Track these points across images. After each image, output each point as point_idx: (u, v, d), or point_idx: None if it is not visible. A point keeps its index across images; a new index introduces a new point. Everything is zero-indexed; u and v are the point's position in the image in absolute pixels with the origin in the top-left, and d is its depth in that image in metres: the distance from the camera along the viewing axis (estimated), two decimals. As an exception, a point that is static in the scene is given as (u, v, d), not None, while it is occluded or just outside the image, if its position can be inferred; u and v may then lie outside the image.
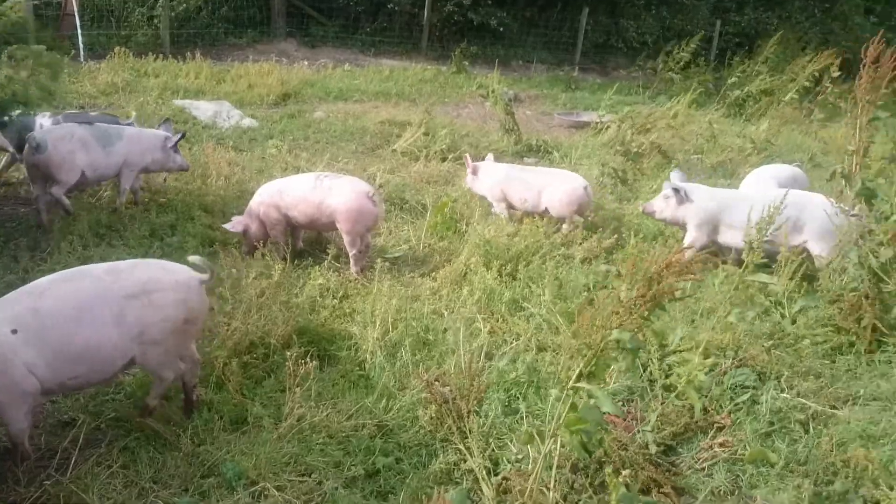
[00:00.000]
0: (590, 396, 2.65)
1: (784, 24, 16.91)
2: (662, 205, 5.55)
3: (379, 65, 14.09)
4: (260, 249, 4.67)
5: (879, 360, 4.10)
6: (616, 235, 5.65)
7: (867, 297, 4.23)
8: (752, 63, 13.17)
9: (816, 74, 11.72)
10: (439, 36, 15.55)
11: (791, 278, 4.63)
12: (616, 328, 2.56)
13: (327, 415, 3.37)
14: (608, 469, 2.65)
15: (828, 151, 9.30)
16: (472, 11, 15.19)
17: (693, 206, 5.43)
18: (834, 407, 3.65)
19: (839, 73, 11.39)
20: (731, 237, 5.32)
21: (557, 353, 3.96)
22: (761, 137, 9.05)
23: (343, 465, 3.15)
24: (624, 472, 2.52)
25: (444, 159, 8.05)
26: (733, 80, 12.25)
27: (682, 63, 13.65)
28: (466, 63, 14.20)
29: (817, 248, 5.04)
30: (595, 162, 8.14)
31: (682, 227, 5.58)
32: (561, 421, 2.73)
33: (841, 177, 4.82)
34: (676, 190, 5.45)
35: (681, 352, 3.89)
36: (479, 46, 15.43)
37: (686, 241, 5.42)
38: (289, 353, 3.46)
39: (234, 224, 5.17)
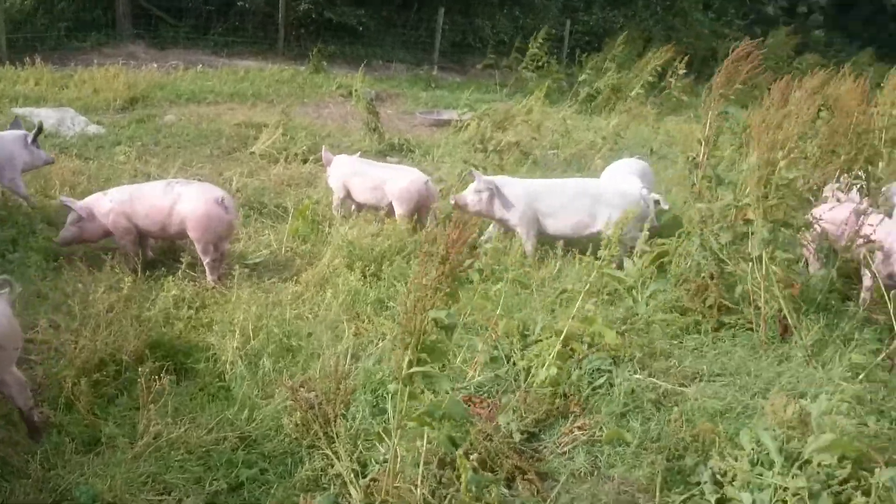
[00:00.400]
0: (426, 378, 2.66)
1: (630, 22, 17.72)
2: (474, 198, 5.54)
3: (233, 66, 13.68)
4: (108, 262, 4.44)
5: (723, 338, 4.36)
6: (478, 231, 5.75)
7: (711, 277, 4.50)
8: (600, 60, 13.74)
9: (659, 70, 12.40)
10: (296, 35, 15.27)
11: (647, 265, 4.89)
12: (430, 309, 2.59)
13: (186, 430, 3.25)
14: (459, 452, 2.69)
15: (672, 143, 9.84)
16: (329, 10, 15.02)
17: (506, 199, 5.52)
18: (683, 385, 3.85)
19: (685, 71, 12.10)
20: (551, 225, 5.55)
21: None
22: (611, 132, 9.45)
23: (204, 480, 3.04)
24: (472, 457, 2.55)
25: (304, 161, 7.93)
26: (583, 77, 12.73)
27: (536, 61, 14.05)
28: (325, 63, 14.04)
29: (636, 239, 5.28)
30: (457, 159, 8.24)
31: (499, 221, 5.67)
32: (401, 413, 2.73)
33: (691, 165, 5.10)
34: (489, 185, 5.52)
35: (541, 341, 4.00)
36: (337, 46, 15.27)
37: (522, 239, 5.56)
38: (141, 369, 3.31)
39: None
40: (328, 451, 3.20)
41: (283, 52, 15.01)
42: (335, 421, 3.32)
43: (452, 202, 5.66)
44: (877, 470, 2.81)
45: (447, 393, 3.01)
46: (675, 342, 4.36)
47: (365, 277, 4.89)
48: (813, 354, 4.12)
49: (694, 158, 5.06)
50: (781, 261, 4.21)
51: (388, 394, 3.65)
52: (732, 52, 5.34)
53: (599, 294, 4.85)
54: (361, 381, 3.70)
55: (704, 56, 16.52)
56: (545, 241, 5.62)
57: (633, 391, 3.73)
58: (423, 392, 2.77)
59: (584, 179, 6.34)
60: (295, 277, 4.98)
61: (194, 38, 14.60)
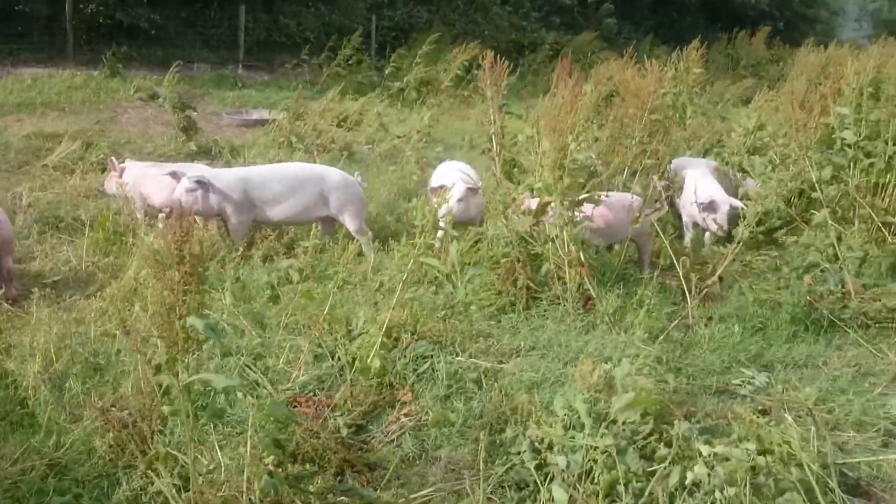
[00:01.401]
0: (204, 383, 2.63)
1: (434, 17, 18.13)
2: (189, 199, 5.30)
3: (19, 74, 12.62)
4: None
5: (535, 315, 4.59)
6: (295, 230, 5.70)
7: (518, 260, 4.73)
8: (409, 56, 13.96)
9: (466, 63, 12.79)
10: (87, 39, 14.35)
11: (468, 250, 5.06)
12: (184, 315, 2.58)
13: (-13, 464, 3.00)
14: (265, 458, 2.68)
15: (483, 133, 10.18)
16: (121, 12, 14.23)
17: (222, 192, 5.43)
18: (501, 362, 4.03)
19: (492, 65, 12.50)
20: (274, 212, 5.59)
21: (238, 356, 3.90)
22: (424, 124, 9.63)
23: (12, 514, 2.83)
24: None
25: (103, 170, 7.47)
26: (390, 71, 12.90)
27: (345, 58, 14.06)
28: (121, 66, 13.29)
29: (346, 220, 5.65)
30: (270, 159, 8.09)
31: (218, 216, 5.58)
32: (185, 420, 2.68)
33: (488, 155, 5.31)
34: (200, 181, 5.35)
35: (365, 333, 4.04)
36: (133, 48, 14.53)
37: (231, 230, 5.52)
38: (-75, 406, 3.01)
39: None
40: (146, 470, 3.06)
41: (74, 58, 14.06)
42: (152, 438, 3.19)
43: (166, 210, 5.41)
44: (675, 422, 3.09)
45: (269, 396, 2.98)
46: (493, 322, 4.54)
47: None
48: (615, 322, 4.44)
49: (490, 149, 5.28)
50: (575, 239, 4.51)
51: (206, 403, 3.54)
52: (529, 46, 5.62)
53: (420, 283, 4.96)
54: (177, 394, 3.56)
55: (507, 49, 17.21)
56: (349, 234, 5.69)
57: (455, 373, 3.85)
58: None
59: (304, 164, 6.38)
60: (99, 293, 4.70)
61: (-28, 48, 13.35)
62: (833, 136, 5.92)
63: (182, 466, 3.11)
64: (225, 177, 5.55)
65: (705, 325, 4.57)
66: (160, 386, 2.70)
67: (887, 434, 3.51)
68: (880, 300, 4.67)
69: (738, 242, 4.82)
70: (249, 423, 3.01)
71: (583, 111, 4.40)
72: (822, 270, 5.06)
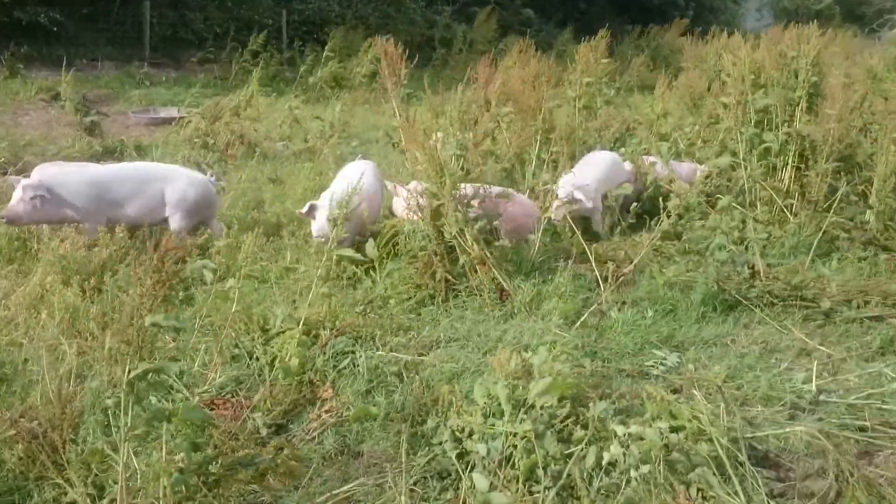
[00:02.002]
0: (153, 385, 2.57)
1: (347, 11, 17.97)
2: (27, 208, 4.98)
3: (-88, 77, 11.96)
4: None
5: (454, 307, 4.63)
6: (208, 230, 5.58)
7: (436, 254, 4.76)
8: (321, 50, 13.81)
9: (378, 57, 12.71)
10: (-16, 40, 13.68)
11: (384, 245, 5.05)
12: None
13: None
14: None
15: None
16: (20, 10, 13.62)
17: (64, 199, 5.17)
18: (421, 354, 4.05)
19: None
20: (125, 214, 5.38)
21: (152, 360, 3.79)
22: (338, 120, 9.55)
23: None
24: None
25: (4, 173, 7.14)
26: (305, 66, 12.74)
27: (253, 53, 13.81)
28: (21, 67, 12.73)
29: (174, 219, 5.47)
30: (180, 158, 7.88)
31: (63, 221, 5.32)
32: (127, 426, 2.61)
33: (397, 150, 5.32)
34: (36, 190, 4.99)
35: (283, 332, 3.99)
36: (34, 48, 13.92)
37: (85, 231, 5.28)
38: None
39: None
40: (59, 480, 2.96)
41: (-29, 59, 13.37)
42: (64, 447, 3.08)
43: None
44: (591, 404, 3.17)
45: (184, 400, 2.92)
46: (413, 316, 4.55)
47: (84, 292, 4.54)
48: (531, 310, 4.52)
49: (398, 143, 5.29)
50: (476, 237, 4.58)
51: (119, 411, 3.45)
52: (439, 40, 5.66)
53: (339, 278, 4.93)
54: (90, 402, 3.46)
55: (420, 42, 17.21)
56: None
57: (376, 367, 3.86)
58: (147, 399, 2.65)
59: (152, 164, 6.25)
60: (3, 301, 4.50)
61: None
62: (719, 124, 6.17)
63: (96, 475, 3.02)
64: (69, 180, 5.23)
65: (619, 310, 4.69)
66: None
67: (793, 407, 3.67)
68: (783, 279, 4.88)
69: (657, 232, 4.97)
70: (164, 428, 2.94)
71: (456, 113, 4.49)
72: (728, 252, 5.25)
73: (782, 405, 3.68)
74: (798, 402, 3.73)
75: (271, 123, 9.31)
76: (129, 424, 2.56)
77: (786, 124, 6.24)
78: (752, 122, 6.21)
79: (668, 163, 6.56)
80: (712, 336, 4.45)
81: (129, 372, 2.52)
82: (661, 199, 6.17)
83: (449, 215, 4.62)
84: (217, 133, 8.02)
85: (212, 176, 5.87)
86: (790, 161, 6.25)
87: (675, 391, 3.78)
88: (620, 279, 4.72)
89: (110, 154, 8.38)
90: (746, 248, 5.39)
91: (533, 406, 3.15)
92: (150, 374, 2.52)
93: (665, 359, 4.13)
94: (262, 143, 8.66)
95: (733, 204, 6.01)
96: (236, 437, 3.14)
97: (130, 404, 2.56)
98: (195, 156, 7.47)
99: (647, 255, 5.40)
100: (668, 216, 4.75)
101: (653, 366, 4.08)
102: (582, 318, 4.46)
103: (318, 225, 5.15)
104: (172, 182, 5.48)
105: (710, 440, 2.97)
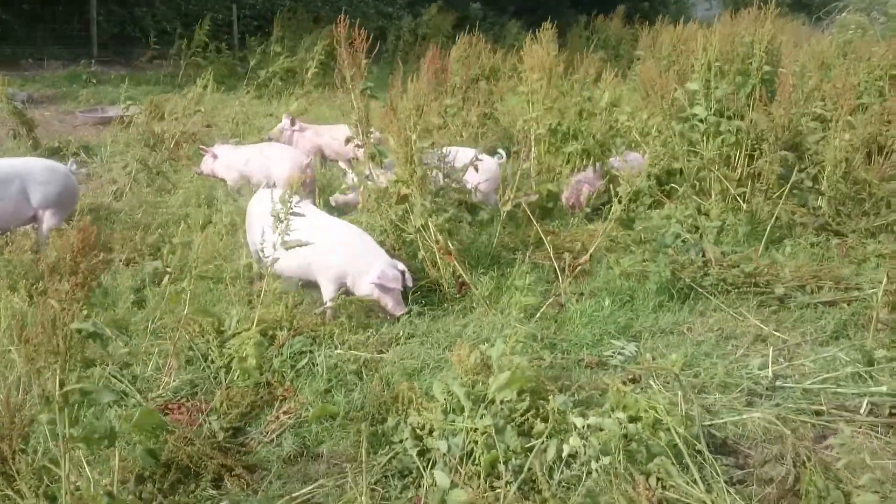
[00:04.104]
0: (84, 393, 2.50)
1: (298, 4, 17.73)
2: None
3: None
4: None
5: (413, 302, 4.58)
6: (160, 230, 5.46)
7: (394, 248, 4.72)
8: (269, 43, 13.62)
9: (329, 49, 12.57)
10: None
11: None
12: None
13: None
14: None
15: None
16: (-39, 9, 13.22)
17: None
18: (381, 351, 4.01)
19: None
20: None
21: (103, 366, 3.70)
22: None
23: None
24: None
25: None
26: (255, 61, 12.54)
27: (200, 46, 13.55)
28: (-38, 66, 12.35)
29: (46, 217, 5.13)
30: (130, 157, 7.70)
31: None
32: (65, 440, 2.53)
33: (353, 144, 5.25)
34: None
35: (239, 333, 3.92)
36: (-23, 47, 13.53)
37: None
38: None
39: None
40: (9, 492, 2.87)
41: None
42: (13, 457, 2.98)
43: None
44: (551, 397, 3.16)
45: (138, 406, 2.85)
46: (372, 312, 4.50)
47: (31, 297, 4.40)
48: (491, 304, 4.50)
49: (352, 138, 5.23)
50: (442, 228, 4.55)
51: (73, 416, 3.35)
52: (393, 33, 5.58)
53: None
54: (40, 409, 3.34)
55: (373, 36, 17.00)
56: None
57: (335, 366, 3.81)
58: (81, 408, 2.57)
59: (7, 159, 5.84)
60: (-55, 307, 4.35)
61: None
62: (684, 112, 6.20)
63: (47, 485, 2.93)
64: None
65: (577, 301, 4.70)
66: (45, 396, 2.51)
67: (750, 393, 3.72)
68: (738, 266, 4.94)
69: (610, 220, 4.99)
70: (116, 435, 2.86)
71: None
72: (683, 241, 5.31)
73: (739, 391, 3.72)
74: (755, 388, 3.77)
75: (220, 120, 9.14)
76: (67, 437, 2.48)
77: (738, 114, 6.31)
78: (713, 110, 6.26)
79: (622, 155, 6.60)
80: (669, 325, 4.49)
81: (61, 384, 2.43)
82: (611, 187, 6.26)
83: (417, 205, 4.56)
84: (164, 131, 7.84)
85: (72, 164, 5.58)
86: (743, 150, 6.33)
87: (633, 381, 3.81)
88: (577, 269, 4.73)
89: (55, 154, 8.15)
90: (701, 237, 5.45)
91: (493, 401, 3.14)
92: (85, 393, 2.43)
93: (623, 348, 4.16)
94: (213, 140, 8.49)
95: (688, 192, 6.10)
96: (191, 442, 3.07)
97: (66, 419, 2.47)
98: (143, 155, 7.28)
99: (603, 246, 5.42)
100: (620, 202, 4.76)
101: (611, 356, 4.10)
102: (541, 310, 4.46)
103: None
104: (31, 177, 5.08)
105: (669, 429, 2.98)
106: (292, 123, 7.56)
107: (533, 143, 6.62)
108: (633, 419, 3.02)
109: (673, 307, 4.70)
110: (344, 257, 4.36)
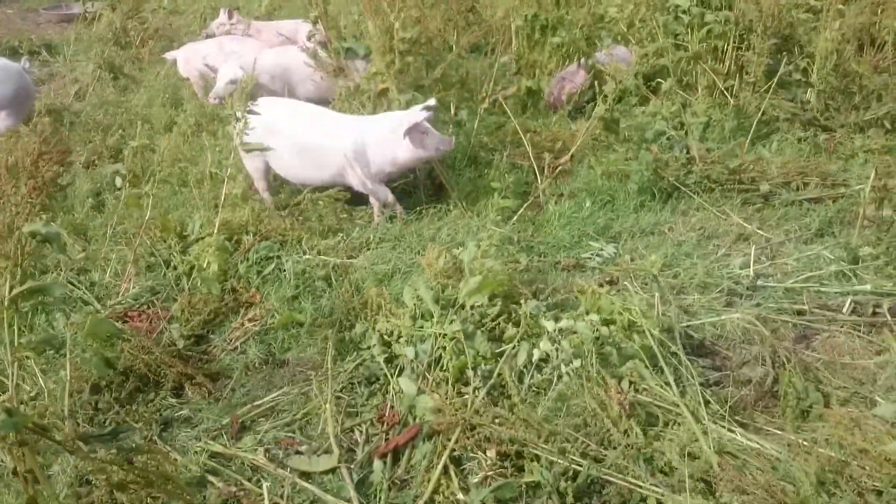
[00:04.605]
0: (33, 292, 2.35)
1: None
2: None
3: None
4: None
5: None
6: (121, 132, 5.22)
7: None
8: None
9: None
10: None
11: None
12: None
13: None
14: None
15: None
16: None
17: None
18: (351, 257, 3.86)
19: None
20: None
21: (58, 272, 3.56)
22: (265, 8, 8.99)
23: None
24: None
25: None
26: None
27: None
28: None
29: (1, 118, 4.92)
30: (93, 55, 7.34)
31: None
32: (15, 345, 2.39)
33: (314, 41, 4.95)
34: None
35: (202, 238, 3.76)
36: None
37: None
38: None
39: None
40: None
41: None
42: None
43: None
44: (523, 301, 3.04)
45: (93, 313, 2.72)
46: (344, 217, 4.34)
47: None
48: (467, 206, 4.34)
49: (314, 35, 4.93)
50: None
51: None
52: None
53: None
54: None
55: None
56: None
57: (303, 272, 3.67)
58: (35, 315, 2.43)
59: None
60: None
61: None
62: (668, 3, 5.89)
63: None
64: None
65: (556, 203, 4.54)
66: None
67: (731, 293, 3.61)
68: (722, 163, 4.76)
69: (593, 119, 4.77)
70: (68, 343, 2.74)
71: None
72: (668, 138, 5.11)
73: (719, 292, 3.61)
74: (735, 288, 3.66)
75: (189, 15, 8.71)
76: (16, 344, 2.34)
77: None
78: (696, 1, 5.95)
79: (607, 48, 6.31)
80: (650, 225, 4.34)
81: (11, 289, 2.28)
82: (596, 84, 6.01)
83: (395, 101, 4.34)
84: (130, 29, 7.46)
85: (26, 62, 5.28)
86: (730, 42, 6.06)
87: (610, 283, 3.70)
88: (557, 170, 4.55)
89: (14, 54, 7.77)
90: (686, 134, 5.25)
91: (463, 306, 3.02)
92: (36, 295, 2.28)
93: (602, 250, 4.03)
94: (180, 37, 8.10)
95: (674, 88, 5.86)
96: (150, 351, 2.95)
97: (15, 324, 2.33)
98: (108, 53, 6.94)
99: (585, 145, 5.23)
100: (605, 101, 4.54)
101: (589, 258, 3.98)
102: (518, 212, 4.31)
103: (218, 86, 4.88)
104: None
105: (644, 332, 2.88)
106: (230, 17, 7.10)
107: (513, 36, 6.30)
108: (607, 322, 2.91)
109: (654, 207, 4.55)
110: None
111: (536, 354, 2.77)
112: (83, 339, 2.87)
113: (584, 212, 4.38)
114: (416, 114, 4.03)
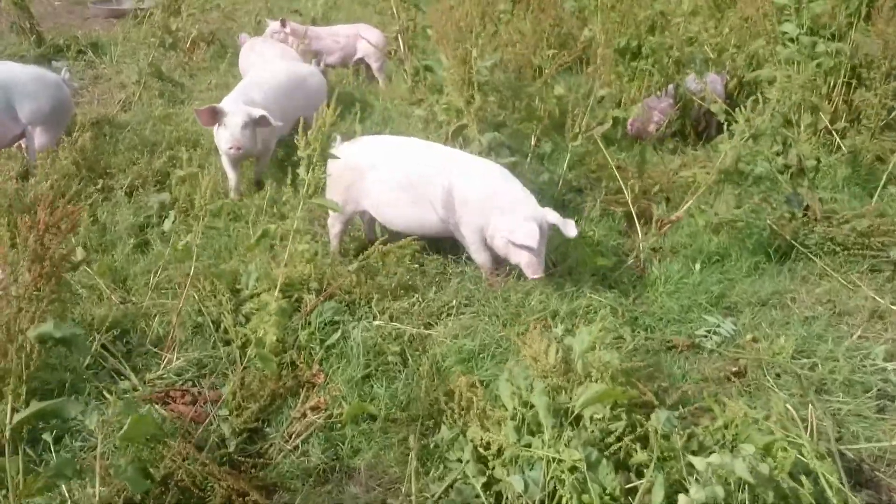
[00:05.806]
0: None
1: None
2: None
3: None
4: None
5: (465, 259, 3.84)
6: (169, 152, 4.73)
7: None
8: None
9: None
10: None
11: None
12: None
13: None
14: None
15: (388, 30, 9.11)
16: None
17: None
18: (429, 325, 3.30)
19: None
20: None
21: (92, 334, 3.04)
22: (320, 13, 8.52)
23: None
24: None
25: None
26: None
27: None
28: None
29: (37, 134, 4.43)
30: (142, 58, 6.87)
31: None
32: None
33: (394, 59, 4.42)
34: None
35: (258, 295, 3.22)
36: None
37: None
38: None
39: None
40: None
41: None
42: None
43: None
44: (653, 415, 2.45)
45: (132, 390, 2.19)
46: (416, 268, 3.77)
47: (14, 238, 3.74)
48: (558, 262, 3.77)
49: (396, 52, 4.39)
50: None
51: None
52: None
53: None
54: None
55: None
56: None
57: (374, 345, 3.10)
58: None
59: None
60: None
61: None
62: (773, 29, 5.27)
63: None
64: None
65: (658, 260, 3.95)
66: None
67: (880, 395, 3.01)
68: (849, 223, 4.12)
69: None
70: (98, 450, 2.22)
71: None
72: (771, 182, 4.49)
73: (867, 395, 3.01)
74: (885, 387, 3.07)
75: (242, 17, 8.24)
76: (19, 484, 1.82)
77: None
78: (806, 28, 5.30)
79: (701, 75, 5.69)
80: (769, 294, 3.73)
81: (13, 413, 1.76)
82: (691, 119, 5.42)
83: (475, 142, 3.79)
84: (178, 30, 6.98)
85: (65, 74, 4.72)
86: (841, 77, 5.41)
87: (736, 373, 3.12)
88: (666, 227, 3.94)
89: (64, 54, 7.36)
90: (791, 178, 4.60)
91: (578, 417, 2.45)
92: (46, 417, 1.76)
93: (719, 326, 3.43)
94: (235, 41, 7.63)
95: (777, 124, 5.21)
96: (195, 458, 2.41)
97: (19, 457, 1.81)
98: (157, 57, 6.47)
99: (679, 185, 4.62)
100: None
101: (705, 336, 3.38)
102: (618, 273, 3.73)
103: (230, 132, 4.22)
104: (18, 89, 4.31)
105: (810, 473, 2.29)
106: (283, 25, 6.62)
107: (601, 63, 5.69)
108: (764, 451, 2.32)
109: (771, 270, 3.94)
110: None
111: (684, 502, 2.16)
112: (119, 442, 2.34)
113: (693, 277, 3.78)
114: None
